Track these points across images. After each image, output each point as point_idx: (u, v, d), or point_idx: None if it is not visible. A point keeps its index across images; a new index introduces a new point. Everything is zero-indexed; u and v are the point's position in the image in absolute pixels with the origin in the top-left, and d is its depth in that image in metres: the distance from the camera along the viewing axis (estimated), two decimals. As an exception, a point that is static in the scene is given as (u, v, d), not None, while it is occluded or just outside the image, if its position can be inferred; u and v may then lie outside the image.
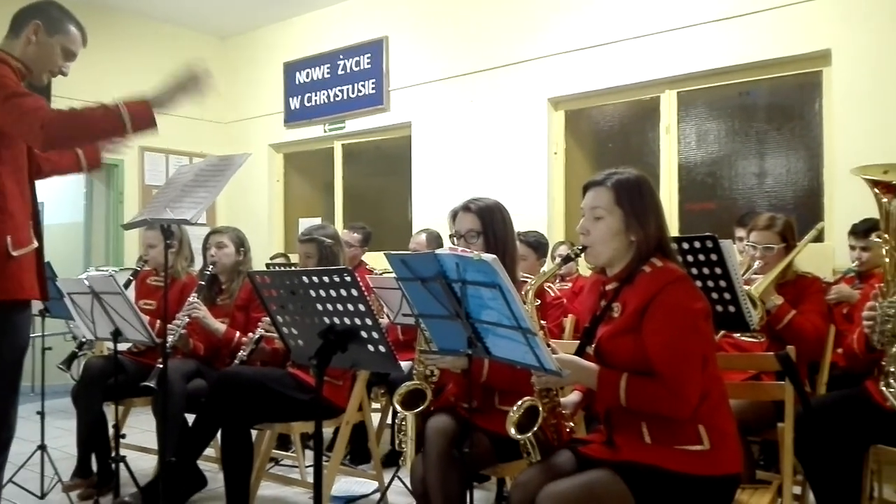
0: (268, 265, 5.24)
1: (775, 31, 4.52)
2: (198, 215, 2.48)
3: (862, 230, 3.51)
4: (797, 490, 2.59)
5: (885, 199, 2.25)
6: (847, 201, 4.08)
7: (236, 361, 3.18)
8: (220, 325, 3.41)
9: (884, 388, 2.28)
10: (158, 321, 3.41)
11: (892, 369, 2.25)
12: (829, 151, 4.46)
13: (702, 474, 1.85)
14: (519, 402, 2.00)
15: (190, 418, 3.17)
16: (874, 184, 2.28)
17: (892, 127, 4.06)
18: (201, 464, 3.38)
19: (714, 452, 1.86)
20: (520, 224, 2.62)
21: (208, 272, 3.51)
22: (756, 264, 3.04)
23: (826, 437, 2.39)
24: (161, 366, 2.90)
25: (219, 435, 3.07)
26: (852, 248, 3.63)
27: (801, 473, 2.56)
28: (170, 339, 3.20)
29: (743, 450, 2.14)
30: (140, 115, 2.28)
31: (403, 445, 2.35)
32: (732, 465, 1.90)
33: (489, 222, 2.45)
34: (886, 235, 2.27)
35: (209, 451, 3.49)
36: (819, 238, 3.34)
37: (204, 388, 3.31)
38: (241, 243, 3.64)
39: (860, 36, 4.21)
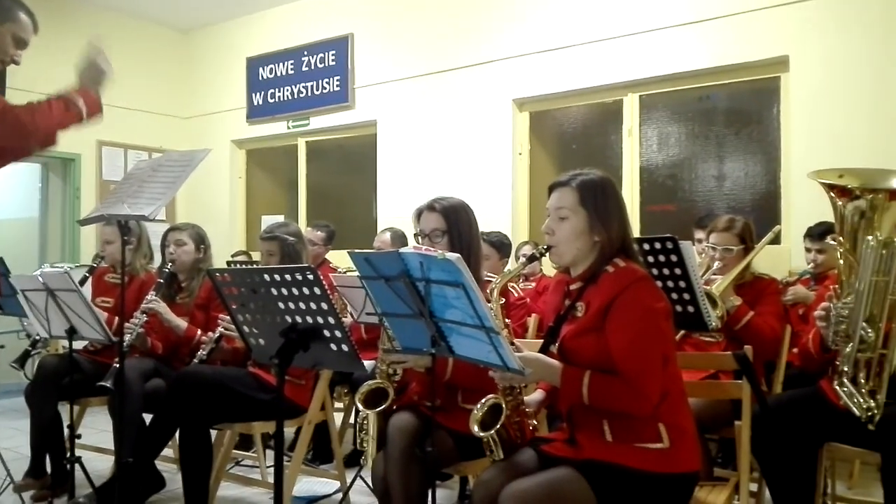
0: (229, 263, 5.18)
1: (735, 37, 4.61)
2: (156, 211, 2.44)
3: (817, 233, 3.60)
4: (754, 487, 2.64)
5: (840, 203, 2.30)
6: (803, 205, 4.18)
7: (195, 360, 3.13)
8: (180, 322, 3.35)
9: (837, 388, 2.33)
10: (116, 319, 3.34)
11: (846, 369, 2.30)
12: (786, 156, 4.56)
13: (661, 472, 1.87)
14: (483, 400, 2.01)
15: (148, 418, 3.11)
16: (830, 188, 2.33)
17: (847, 132, 4.16)
18: (159, 464, 3.32)
19: (673, 450, 1.89)
20: (484, 224, 2.63)
21: (167, 270, 3.45)
22: (715, 265, 3.09)
23: (781, 435, 2.44)
24: (118, 365, 2.84)
25: (177, 435, 3.02)
26: (808, 250, 3.72)
27: (758, 470, 2.61)
28: (127, 337, 3.14)
29: (701, 448, 2.18)
30: (90, 101, 2.25)
31: (365, 444, 2.34)
32: (691, 463, 1.93)
33: (454, 221, 2.45)
34: (841, 238, 2.32)
35: (167, 452, 3.43)
36: (776, 240, 3.41)
37: (162, 388, 3.25)
38: (200, 240, 3.58)
39: (817, 43, 4.32)
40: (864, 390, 2.26)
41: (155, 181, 2.56)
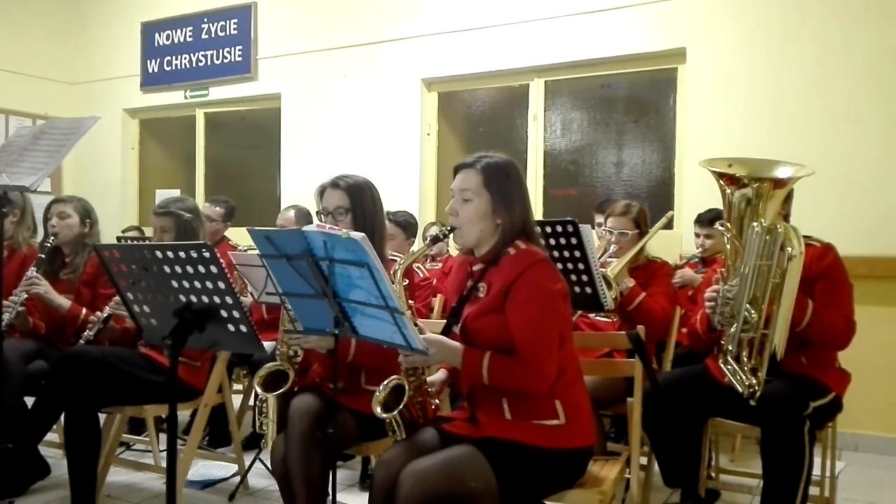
0: (119, 239, 4.93)
1: (636, 27, 4.75)
2: (38, 182, 2.29)
3: (706, 219, 3.78)
4: (644, 461, 2.76)
5: (728, 191, 2.43)
6: (695, 192, 4.38)
7: (81, 342, 2.97)
8: (63, 301, 3.16)
9: (722, 366, 2.47)
10: (-5, 296, 3.12)
11: (731, 348, 2.44)
12: (680, 144, 4.76)
13: (558, 447, 1.94)
14: (385, 382, 2.01)
15: (30, 402, 2.94)
16: (719, 176, 2.44)
17: (738, 123, 4.39)
18: (43, 450, 3.17)
19: (569, 426, 1.95)
20: (392, 203, 2.62)
21: (49, 244, 3.24)
22: (611, 248, 3.20)
23: (670, 411, 2.57)
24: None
25: (62, 419, 2.87)
26: (697, 235, 3.90)
27: (648, 445, 2.74)
28: (6, 316, 2.94)
29: (595, 423, 2.26)
30: None
31: (265, 428, 2.29)
32: (586, 438, 2.00)
33: (358, 200, 2.41)
34: (728, 224, 2.44)
35: (52, 437, 3.26)
36: (669, 225, 3.56)
37: (45, 370, 3.07)
38: (86, 214, 3.38)
39: (713, 37, 4.51)
40: (746, 368, 2.40)
41: (37, 150, 2.40)
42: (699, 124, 4.55)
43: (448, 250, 4.71)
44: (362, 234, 1.70)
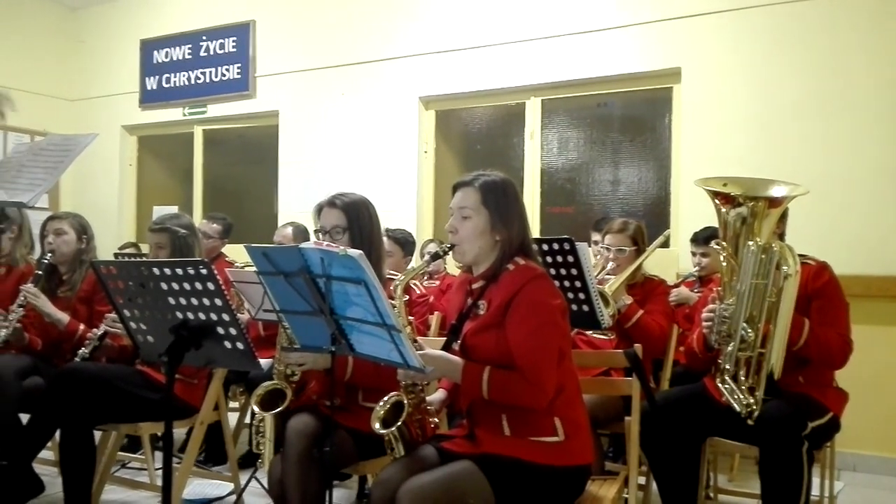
0: (116, 255, 4.92)
1: (632, 47, 4.79)
2: (36, 198, 2.30)
3: (702, 238, 3.79)
4: (642, 480, 2.75)
5: (724, 210, 2.43)
6: (691, 210, 4.40)
7: (77, 359, 2.95)
8: (61, 315, 3.14)
9: (720, 385, 2.46)
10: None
11: (728, 367, 2.43)
12: (676, 163, 4.78)
13: (556, 465, 1.93)
14: (385, 398, 2.01)
15: (25, 418, 2.92)
16: (715, 195, 2.45)
17: (732, 143, 4.41)
18: (37, 467, 3.12)
19: (568, 444, 1.95)
20: (389, 221, 2.63)
21: (46, 261, 3.23)
22: (609, 266, 3.20)
23: (668, 430, 2.56)
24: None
25: (58, 436, 2.85)
26: (693, 254, 3.91)
27: (646, 464, 2.72)
28: (2, 332, 2.93)
29: (594, 442, 2.26)
30: None
31: (261, 447, 2.28)
32: (584, 457, 2.00)
33: (355, 218, 2.42)
34: (724, 243, 2.45)
35: (47, 454, 3.23)
36: (665, 244, 3.57)
37: (41, 386, 3.05)
38: (83, 230, 3.37)
39: (708, 57, 4.54)
40: (744, 387, 2.40)
41: (35, 166, 2.41)
42: (694, 143, 4.57)
43: (445, 268, 4.72)
44: (359, 252, 1.71)
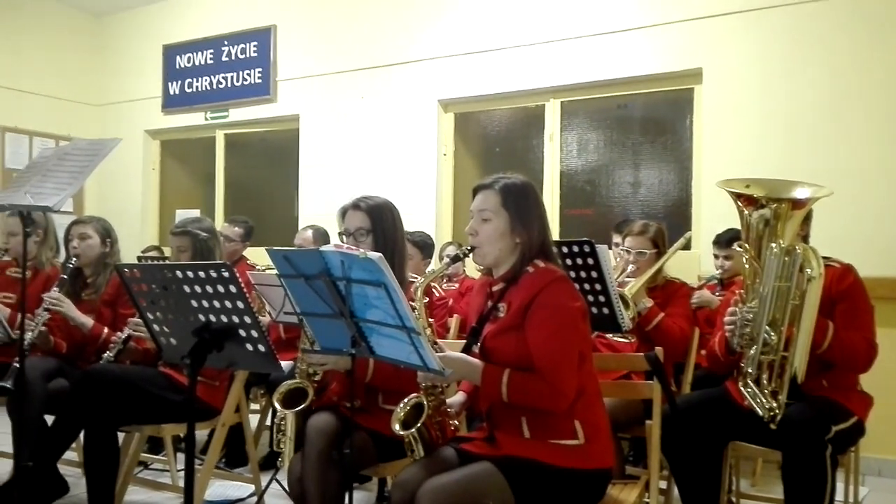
0: (140, 258, 4.98)
1: (652, 48, 4.76)
2: (61, 202, 2.32)
3: (724, 240, 3.76)
4: (663, 484, 2.73)
5: (746, 212, 2.41)
6: (713, 212, 4.36)
7: (102, 361, 2.98)
8: (86, 319, 3.19)
9: (742, 388, 2.43)
10: (19, 315, 3.15)
11: (750, 370, 2.40)
12: (697, 165, 4.74)
13: (576, 467, 1.92)
14: (406, 399, 2.01)
15: (50, 420, 2.96)
16: (737, 196, 2.43)
17: (754, 143, 4.37)
18: (62, 468, 3.17)
19: (588, 447, 1.94)
20: (408, 223, 2.63)
21: (71, 265, 3.28)
22: (629, 268, 3.18)
23: (690, 434, 2.53)
24: (18, 364, 2.68)
25: (82, 437, 2.89)
26: (716, 256, 3.88)
27: (667, 468, 2.70)
28: (28, 335, 2.97)
29: (614, 446, 2.24)
30: None
31: (282, 445, 2.29)
32: (605, 460, 1.99)
33: (378, 221, 2.43)
34: (747, 245, 2.42)
35: (71, 455, 3.28)
36: (687, 246, 3.54)
37: (66, 388, 3.09)
38: (106, 234, 3.41)
39: (729, 57, 4.51)
40: (766, 391, 2.37)
41: (60, 170, 2.44)
42: (716, 144, 4.54)
43: (465, 270, 4.72)
44: (379, 254, 1.71)
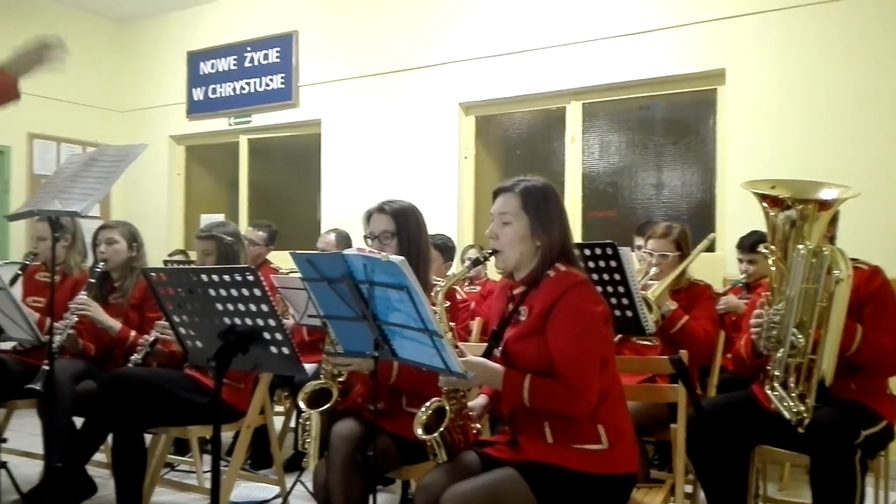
0: (166, 262, 5.04)
1: (674, 49, 4.73)
2: (89, 207, 2.36)
3: (748, 244, 3.70)
4: (689, 489, 2.70)
5: (772, 213, 2.38)
6: (737, 213, 4.31)
7: (130, 364, 3.03)
8: (113, 322, 3.24)
9: (769, 392, 2.40)
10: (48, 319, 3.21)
11: (777, 373, 2.38)
12: (721, 166, 4.70)
13: (600, 472, 1.91)
14: (427, 403, 2.01)
15: (79, 422, 3.00)
16: (762, 198, 2.40)
17: (780, 144, 4.32)
18: (90, 469, 3.21)
19: (612, 451, 1.93)
20: (430, 226, 2.63)
21: (99, 269, 3.33)
22: (652, 271, 3.16)
23: (715, 438, 2.51)
24: (47, 367, 2.73)
25: (110, 439, 2.93)
26: (740, 261, 3.82)
27: (693, 473, 2.68)
28: (57, 338, 3.02)
29: (638, 450, 2.23)
30: (4, 86, 2.15)
31: (307, 446, 2.31)
32: (629, 465, 1.97)
33: (403, 224, 2.44)
34: (773, 247, 2.40)
35: (99, 457, 3.32)
36: (711, 248, 3.50)
37: (94, 390, 3.13)
38: (133, 238, 3.46)
39: (753, 58, 4.46)
40: (794, 394, 2.34)
41: (88, 176, 2.47)
42: (740, 145, 4.49)
43: (486, 273, 4.71)
44: (401, 258, 1.72)
